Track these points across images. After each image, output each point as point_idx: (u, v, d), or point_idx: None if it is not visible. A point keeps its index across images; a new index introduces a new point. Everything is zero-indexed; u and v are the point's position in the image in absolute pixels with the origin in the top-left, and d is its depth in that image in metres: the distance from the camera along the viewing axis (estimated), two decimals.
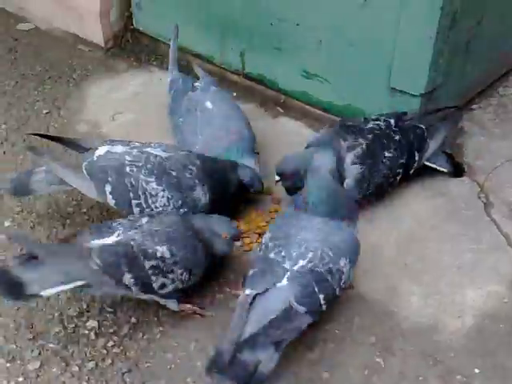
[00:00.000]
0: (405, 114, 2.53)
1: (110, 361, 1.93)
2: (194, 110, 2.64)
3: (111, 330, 2.02)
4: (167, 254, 1.95)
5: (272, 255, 1.93)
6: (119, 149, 2.31)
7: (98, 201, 2.32)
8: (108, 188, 2.24)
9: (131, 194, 2.24)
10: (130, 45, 3.46)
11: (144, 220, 2.04)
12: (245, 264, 2.22)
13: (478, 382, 1.89)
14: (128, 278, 1.91)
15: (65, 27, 3.56)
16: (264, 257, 1.95)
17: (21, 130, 2.88)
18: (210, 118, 2.60)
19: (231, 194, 2.38)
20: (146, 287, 1.94)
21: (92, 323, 2.03)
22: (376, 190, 2.43)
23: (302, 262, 1.89)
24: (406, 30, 2.43)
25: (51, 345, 1.98)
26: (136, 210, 2.24)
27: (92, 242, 1.94)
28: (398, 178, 2.45)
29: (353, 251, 2.01)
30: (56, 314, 2.07)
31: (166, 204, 2.24)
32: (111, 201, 2.26)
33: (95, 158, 2.28)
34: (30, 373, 1.90)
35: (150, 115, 2.95)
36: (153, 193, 2.23)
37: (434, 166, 2.55)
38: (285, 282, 1.86)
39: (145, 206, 2.24)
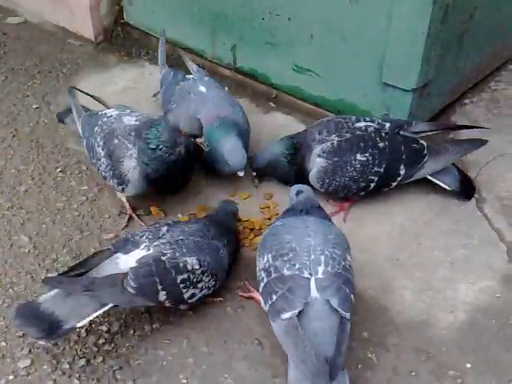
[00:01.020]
0: (409, 123, 2.46)
1: (101, 358, 1.92)
2: (188, 93, 2.60)
3: (102, 328, 2.00)
4: (196, 266, 1.95)
5: (287, 272, 1.86)
6: (111, 111, 2.41)
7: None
8: (83, 143, 2.44)
9: (92, 153, 2.35)
10: (121, 39, 3.44)
11: (164, 229, 2.02)
12: (238, 262, 2.21)
13: (470, 377, 1.89)
14: (162, 295, 1.90)
15: (55, 21, 3.53)
16: (280, 276, 1.85)
17: (10, 125, 2.85)
18: (204, 100, 2.56)
19: (171, 151, 2.19)
20: (177, 299, 1.94)
21: (83, 323, 1.99)
22: (341, 191, 2.39)
23: (321, 269, 1.84)
24: (398, 24, 2.42)
25: (41, 342, 1.95)
26: (95, 167, 2.37)
27: (121, 257, 1.93)
28: (372, 185, 2.38)
29: (347, 243, 2.00)
30: None
31: (105, 170, 2.29)
32: (86, 154, 2.43)
33: (91, 114, 2.45)
34: (20, 370, 1.88)
35: (141, 109, 2.90)
36: (99, 156, 2.31)
37: (436, 181, 2.45)
38: (315, 293, 1.79)
39: (98, 167, 2.34)
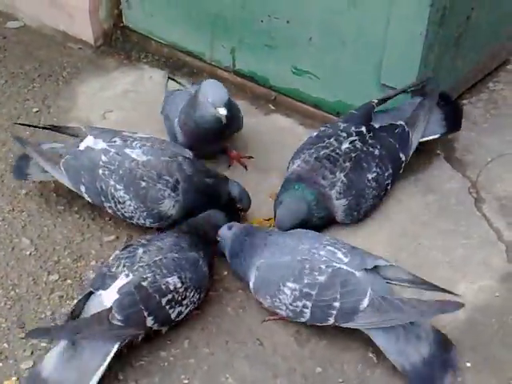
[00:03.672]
0: (372, 107, 2.45)
1: None
2: (176, 91, 2.69)
3: None
4: (179, 284, 1.93)
5: (322, 277, 1.88)
6: (100, 145, 2.29)
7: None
8: (83, 188, 2.28)
9: (103, 198, 2.25)
10: (120, 42, 3.45)
11: (140, 251, 1.98)
12: None
13: (469, 376, 1.90)
14: (149, 320, 1.88)
15: (54, 25, 3.53)
16: (321, 286, 1.88)
17: (9, 130, 2.86)
18: (190, 91, 2.61)
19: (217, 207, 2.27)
20: (165, 320, 1.93)
21: None
22: (370, 211, 2.39)
23: (340, 254, 1.93)
24: (396, 26, 2.44)
25: (44, 344, 1.97)
26: (109, 210, 2.28)
27: (103, 293, 1.89)
28: (389, 187, 2.41)
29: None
30: (48, 313, 2.07)
31: (134, 212, 2.24)
32: (88, 199, 2.31)
33: (73, 155, 2.29)
34: (22, 372, 1.89)
35: (141, 113, 2.94)
36: (120, 200, 2.23)
37: (426, 139, 2.50)
38: (358, 272, 1.89)
39: (116, 209, 2.26)
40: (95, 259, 2.25)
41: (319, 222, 2.31)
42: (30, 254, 2.27)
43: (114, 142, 2.30)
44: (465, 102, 2.98)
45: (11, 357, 1.94)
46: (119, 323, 1.82)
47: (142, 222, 2.26)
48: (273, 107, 3.00)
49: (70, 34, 3.48)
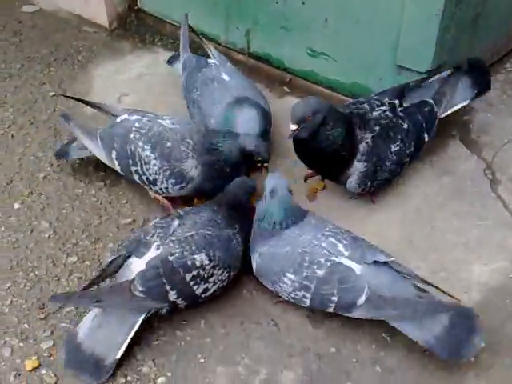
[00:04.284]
0: (406, 86, 2.45)
1: None
2: (211, 82, 2.62)
3: None
4: (206, 261, 1.96)
5: (321, 271, 1.89)
6: (135, 117, 2.40)
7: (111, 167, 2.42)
8: (114, 154, 2.35)
9: (130, 161, 2.31)
10: (135, 26, 3.45)
11: (175, 223, 2.03)
12: None
13: (484, 356, 1.91)
14: (172, 295, 1.92)
15: (69, 9, 3.55)
16: (320, 280, 1.89)
17: (28, 113, 2.89)
18: (228, 88, 2.58)
19: (230, 168, 2.27)
20: (190, 296, 1.96)
21: None
22: (382, 185, 2.37)
23: (341, 246, 1.91)
24: (412, 6, 2.41)
25: (63, 324, 2.01)
26: (135, 176, 2.32)
27: (134, 262, 1.94)
28: (405, 166, 2.39)
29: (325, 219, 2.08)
30: None
31: (157, 173, 2.28)
32: (118, 167, 2.37)
33: (111, 126, 2.41)
34: (43, 352, 1.94)
35: (156, 96, 2.95)
36: (146, 160, 2.28)
37: (453, 110, 2.49)
38: (355, 265, 1.88)
39: (141, 172, 2.30)
40: (112, 241, 2.29)
41: (331, 152, 2.20)
42: (49, 236, 2.32)
43: (149, 114, 2.42)
44: None
45: (31, 337, 1.99)
46: (141, 295, 1.87)
47: (165, 185, 2.29)
48: (288, 89, 2.99)
49: (85, 18, 3.50)
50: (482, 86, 2.54)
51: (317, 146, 2.19)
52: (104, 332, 1.88)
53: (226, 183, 2.24)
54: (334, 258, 1.90)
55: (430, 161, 2.56)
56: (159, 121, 2.36)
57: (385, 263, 1.92)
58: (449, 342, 1.83)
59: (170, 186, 2.29)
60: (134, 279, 1.88)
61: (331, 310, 1.91)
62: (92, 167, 2.59)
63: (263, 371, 1.88)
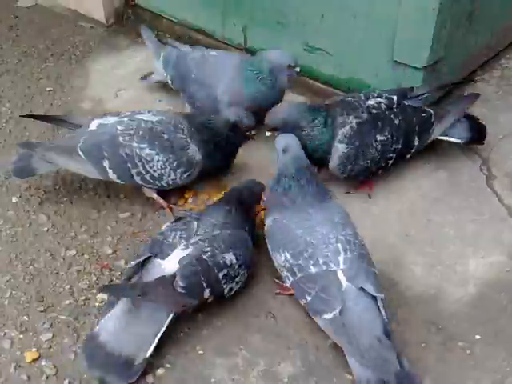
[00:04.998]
0: (411, 89, 2.48)
1: None
2: (205, 59, 2.71)
3: None
4: (234, 260, 1.98)
5: (314, 270, 1.89)
6: (110, 119, 2.34)
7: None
8: (106, 164, 2.27)
9: (129, 165, 2.27)
10: (132, 21, 3.46)
11: (195, 224, 2.03)
12: None
13: (478, 348, 1.93)
14: (207, 292, 1.93)
15: (65, 4, 3.55)
16: (308, 276, 1.89)
17: (25, 108, 2.90)
18: (226, 57, 2.72)
19: (224, 141, 2.39)
20: (219, 295, 1.97)
21: (102, 296, 2.06)
22: (362, 173, 2.38)
23: (341, 258, 1.90)
24: (409, 2, 2.43)
25: (62, 316, 2.02)
26: (137, 178, 2.28)
27: (162, 262, 1.94)
28: (390, 162, 2.40)
29: (349, 216, 2.06)
30: (66, 287, 2.11)
31: (163, 167, 2.27)
32: (113, 175, 2.29)
33: (87, 136, 2.29)
34: (42, 343, 1.95)
35: (153, 91, 2.96)
36: (148, 158, 2.26)
37: (447, 139, 2.50)
38: (346, 283, 1.85)
39: (144, 172, 2.27)
40: (111, 235, 2.30)
41: (313, 150, 2.29)
42: (48, 230, 2.32)
43: (123, 114, 2.39)
44: (477, 78, 2.98)
45: (31, 329, 1.99)
46: (182, 290, 1.87)
47: (173, 176, 2.29)
48: None
49: (81, 13, 3.50)
50: (477, 134, 2.54)
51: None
52: (132, 331, 1.84)
53: (225, 158, 2.41)
54: (331, 265, 1.89)
55: (426, 156, 2.58)
56: (140, 117, 2.33)
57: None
58: None
59: (179, 175, 2.30)
60: (175, 275, 1.88)
61: (303, 304, 1.93)
62: None
63: (261, 363, 1.90)
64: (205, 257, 1.93)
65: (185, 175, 2.31)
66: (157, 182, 2.31)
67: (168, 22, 3.33)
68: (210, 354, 1.92)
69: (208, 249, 1.95)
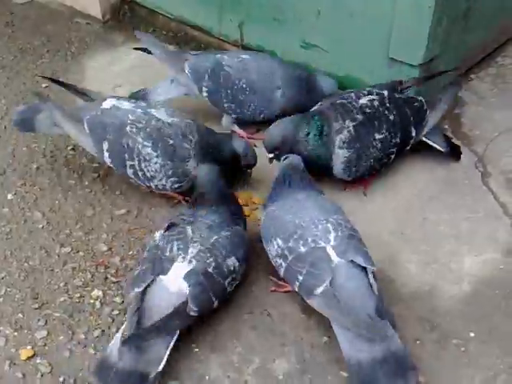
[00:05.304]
0: (400, 82, 2.50)
1: (115, 328, 1.97)
2: (245, 65, 2.65)
3: (116, 300, 2.06)
4: (237, 264, 1.97)
5: (303, 249, 1.90)
6: (125, 105, 2.32)
7: (97, 158, 2.36)
8: (105, 146, 2.27)
9: (126, 155, 2.26)
10: (128, 17, 3.46)
11: (189, 231, 1.97)
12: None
13: (473, 346, 1.94)
14: (215, 304, 1.92)
15: (61, 0, 3.54)
16: (297, 256, 1.90)
17: (20, 104, 2.88)
18: (262, 60, 2.70)
19: (224, 168, 2.27)
20: (224, 299, 1.97)
21: (97, 293, 2.07)
22: (366, 172, 2.39)
23: (332, 236, 1.91)
24: None
25: (57, 314, 2.02)
26: (129, 171, 2.28)
27: (164, 278, 1.87)
28: (393, 156, 2.42)
29: (344, 213, 2.07)
30: (61, 285, 2.11)
31: (158, 171, 2.26)
32: (107, 159, 2.29)
33: (99, 112, 2.29)
34: (37, 341, 1.95)
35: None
36: (147, 157, 2.25)
37: (431, 143, 2.51)
38: (337, 258, 1.86)
39: (138, 168, 2.26)
40: (106, 232, 2.29)
41: (308, 154, 2.31)
42: (43, 227, 2.32)
43: (138, 103, 2.36)
44: (472, 76, 2.98)
45: (26, 327, 1.99)
46: (195, 313, 1.84)
47: (163, 182, 2.28)
48: None
49: (77, 9, 3.50)
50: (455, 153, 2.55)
51: (298, 154, 2.27)
52: (143, 349, 1.78)
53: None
54: (319, 242, 1.90)
55: (422, 153, 2.58)
56: (154, 113, 2.30)
57: (364, 269, 1.87)
58: (368, 375, 1.73)
59: (169, 184, 2.28)
60: (187, 301, 1.83)
61: (296, 288, 1.92)
62: (85, 158, 2.59)
63: (256, 360, 1.90)
64: (210, 269, 1.90)
65: (176, 185, 2.30)
66: (146, 182, 2.30)
67: (164, 18, 3.32)
68: (205, 351, 1.93)
69: (211, 259, 1.91)
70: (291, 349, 1.93)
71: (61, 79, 3.01)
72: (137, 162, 2.25)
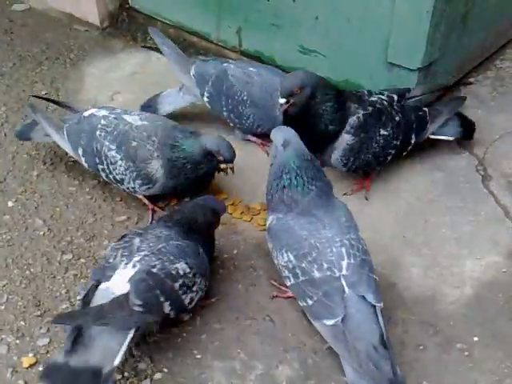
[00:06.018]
0: (408, 90, 2.52)
1: None
2: (249, 77, 2.61)
3: None
4: (187, 269, 1.90)
5: (318, 274, 1.86)
6: (102, 112, 2.39)
7: (96, 174, 2.43)
8: (80, 151, 2.36)
9: (97, 159, 2.32)
10: (126, 24, 3.45)
11: (137, 241, 1.94)
12: (247, 240, 2.26)
13: (477, 350, 1.93)
14: (166, 306, 1.85)
15: (60, 7, 3.54)
16: (311, 280, 1.86)
17: (20, 112, 2.89)
18: (270, 75, 2.63)
19: (193, 166, 2.27)
20: (180, 307, 1.90)
21: None
22: (362, 167, 2.40)
23: (345, 263, 1.87)
24: (403, 3, 2.43)
25: None
26: (102, 174, 2.34)
27: (108, 284, 1.84)
28: (389, 157, 2.43)
29: (352, 217, 2.03)
30: (63, 292, 2.11)
31: (124, 173, 2.28)
32: (85, 164, 2.38)
33: (76, 121, 2.40)
34: (39, 349, 1.94)
35: (149, 95, 2.94)
36: (112, 160, 2.29)
37: (439, 137, 2.54)
38: (348, 290, 1.83)
39: (108, 172, 2.31)
40: (108, 239, 2.29)
41: (322, 133, 2.26)
42: (44, 234, 2.31)
43: (116, 110, 2.41)
44: (471, 80, 2.98)
45: (28, 334, 1.98)
46: (139, 308, 1.78)
47: (132, 185, 2.30)
48: None
49: (75, 16, 3.50)
50: (467, 131, 2.58)
51: (307, 120, 2.22)
52: (89, 344, 1.74)
53: (190, 181, 2.30)
54: (335, 271, 1.86)
55: (422, 157, 2.59)
56: (126, 118, 2.33)
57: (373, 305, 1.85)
58: None
59: (137, 186, 2.30)
60: (128, 293, 1.78)
61: (302, 305, 1.91)
62: None
63: (259, 366, 1.90)
64: (155, 270, 1.84)
65: (143, 187, 2.29)
66: (119, 185, 2.34)
67: (162, 24, 3.32)
68: (208, 358, 1.92)
69: (157, 262, 1.86)
70: (294, 355, 1.92)
71: (60, 86, 3.04)
72: (106, 166, 2.31)
